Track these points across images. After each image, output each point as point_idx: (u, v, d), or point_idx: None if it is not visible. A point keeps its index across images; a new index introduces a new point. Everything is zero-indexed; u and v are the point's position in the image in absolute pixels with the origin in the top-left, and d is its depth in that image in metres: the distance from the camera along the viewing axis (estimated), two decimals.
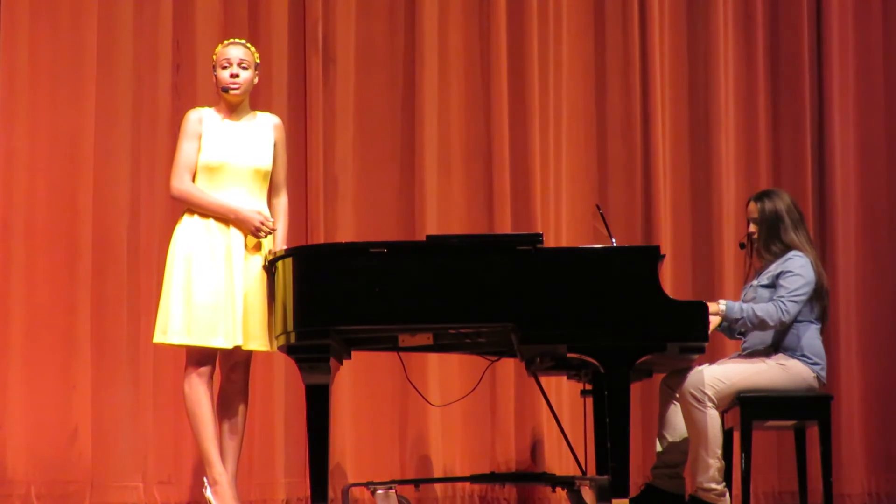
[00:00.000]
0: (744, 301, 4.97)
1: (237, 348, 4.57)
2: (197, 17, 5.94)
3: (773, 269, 4.91)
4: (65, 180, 5.76)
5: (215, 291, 4.54)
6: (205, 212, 4.62)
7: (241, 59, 4.69)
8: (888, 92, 6.60)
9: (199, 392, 4.58)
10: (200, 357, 4.58)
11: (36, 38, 5.80)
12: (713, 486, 4.71)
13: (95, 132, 5.78)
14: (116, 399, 5.70)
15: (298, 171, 5.88)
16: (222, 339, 4.53)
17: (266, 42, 5.97)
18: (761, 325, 4.80)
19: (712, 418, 4.71)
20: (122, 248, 5.77)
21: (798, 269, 4.84)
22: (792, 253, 4.90)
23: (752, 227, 5.00)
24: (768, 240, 4.95)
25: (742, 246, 5.12)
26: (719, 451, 4.71)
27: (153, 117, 5.87)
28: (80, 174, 5.76)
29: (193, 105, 4.83)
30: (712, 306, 4.68)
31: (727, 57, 6.46)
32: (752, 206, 5.01)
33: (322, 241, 5.87)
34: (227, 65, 4.69)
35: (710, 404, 4.72)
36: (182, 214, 4.67)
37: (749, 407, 4.78)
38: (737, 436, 4.94)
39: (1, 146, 5.73)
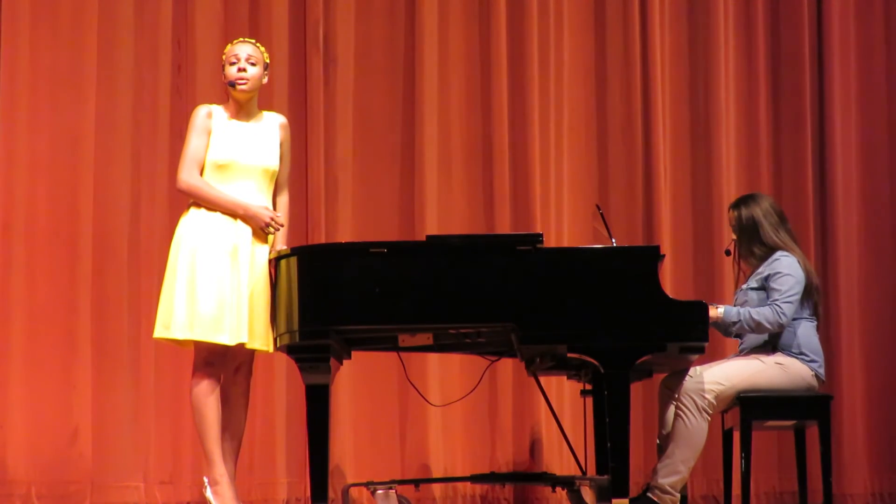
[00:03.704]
0: (735, 306, 4.97)
1: (241, 347, 4.55)
2: (197, 17, 5.94)
3: (762, 270, 4.92)
4: (65, 181, 5.76)
5: (221, 287, 4.51)
6: (212, 206, 4.60)
7: (250, 56, 4.68)
8: (889, 91, 6.60)
9: (207, 391, 4.56)
10: (209, 356, 4.56)
11: (36, 38, 5.80)
12: (672, 492, 4.71)
13: (96, 133, 5.79)
14: (117, 399, 5.70)
15: (299, 171, 5.88)
16: (227, 336, 4.49)
17: (267, 42, 5.95)
18: (758, 328, 4.81)
19: (703, 430, 4.71)
20: (122, 248, 5.77)
21: (786, 268, 4.85)
22: (778, 253, 4.90)
23: (734, 234, 5.02)
24: (750, 245, 4.96)
25: (727, 253, 5.13)
26: (693, 464, 4.72)
27: (153, 118, 5.87)
28: (80, 175, 5.76)
29: (194, 106, 4.83)
30: (710, 311, 4.68)
31: (727, 57, 6.47)
32: (731, 214, 5.03)
33: (322, 241, 5.87)
34: (235, 60, 4.68)
35: (707, 414, 4.72)
36: (188, 207, 4.64)
37: (749, 407, 4.78)
38: (737, 436, 4.94)
39: (1, 147, 5.73)
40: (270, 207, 4.69)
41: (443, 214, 6.11)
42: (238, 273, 4.55)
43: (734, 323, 4.81)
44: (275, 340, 4.57)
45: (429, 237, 4.68)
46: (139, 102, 5.87)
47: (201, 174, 4.63)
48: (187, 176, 4.62)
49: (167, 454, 5.73)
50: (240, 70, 4.66)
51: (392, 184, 6.15)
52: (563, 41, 6.34)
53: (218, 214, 4.60)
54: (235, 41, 4.77)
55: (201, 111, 4.68)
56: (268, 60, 4.77)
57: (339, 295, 4.42)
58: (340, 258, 4.46)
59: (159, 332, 4.58)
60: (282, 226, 4.66)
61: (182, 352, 4.84)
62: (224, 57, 4.73)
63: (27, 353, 5.65)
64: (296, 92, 6.05)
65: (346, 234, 5.98)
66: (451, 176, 6.18)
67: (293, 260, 4.48)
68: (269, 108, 4.95)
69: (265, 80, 4.75)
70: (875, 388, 6.42)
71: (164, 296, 4.59)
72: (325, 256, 4.50)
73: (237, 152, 4.65)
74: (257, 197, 4.66)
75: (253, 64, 4.68)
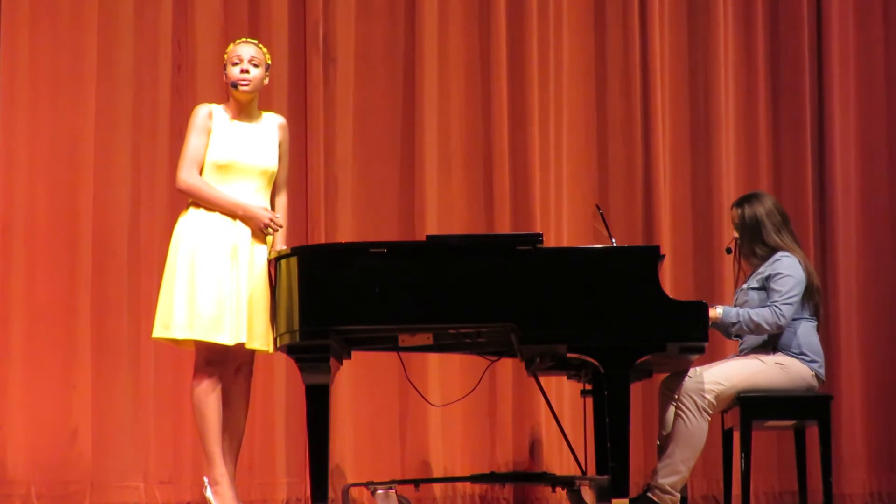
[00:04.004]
0: (735, 305, 4.98)
1: (241, 347, 4.55)
2: (197, 17, 5.93)
3: (762, 270, 4.92)
4: (65, 181, 5.76)
5: (220, 287, 4.51)
6: (211, 206, 4.61)
7: (252, 57, 4.68)
8: (888, 91, 6.61)
9: (208, 391, 4.56)
10: (210, 355, 4.57)
11: (36, 38, 5.80)
12: (672, 492, 4.71)
13: (96, 133, 5.78)
14: (116, 399, 5.70)
15: (298, 171, 5.88)
16: (227, 336, 4.50)
17: (266, 42, 5.93)
18: (757, 329, 4.81)
19: (703, 430, 4.71)
20: (122, 248, 5.77)
21: (787, 269, 4.85)
22: (780, 254, 4.90)
23: (736, 233, 5.01)
24: (752, 244, 4.96)
25: (728, 251, 5.13)
26: (693, 464, 4.72)
27: (153, 118, 5.87)
28: (80, 175, 5.76)
29: (194, 106, 4.82)
30: (710, 312, 4.68)
31: (727, 57, 6.47)
32: (734, 212, 5.02)
33: (322, 241, 5.87)
34: (237, 61, 4.67)
35: (707, 415, 4.72)
36: (187, 207, 4.64)
37: (749, 407, 4.78)
38: (737, 436, 4.94)
39: (1, 147, 5.73)
40: (269, 208, 4.69)
41: (443, 214, 6.10)
42: (237, 273, 4.55)
43: (733, 324, 4.81)
44: (275, 340, 4.57)
45: (429, 237, 4.68)
46: (139, 102, 5.87)
47: (201, 173, 4.63)
48: (186, 175, 4.62)
49: (167, 454, 5.73)
50: (242, 71, 4.66)
51: (392, 184, 6.15)
52: (563, 42, 6.34)
53: (217, 214, 4.60)
54: (238, 41, 4.76)
55: (202, 111, 4.68)
56: (269, 62, 4.76)
57: (339, 295, 4.42)
58: (340, 258, 4.46)
59: (158, 331, 4.58)
60: (280, 227, 4.66)
61: (182, 352, 4.84)
62: (226, 57, 4.72)
63: (27, 353, 5.65)
64: (296, 92, 6.05)
65: (346, 234, 5.98)
66: (451, 176, 6.18)
67: (293, 260, 4.48)
68: (269, 108, 4.95)
69: (266, 82, 4.75)
70: (873, 388, 6.43)
71: (162, 295, 4.59)
72: (325, 256, 4.50)
73: (237, 153, 4.65)
74: (256, 197, 4.66)
75: (255, 65, 4.68)
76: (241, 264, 4.57)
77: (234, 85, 4.66)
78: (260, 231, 4.62)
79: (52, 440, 5.62)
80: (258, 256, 4.63)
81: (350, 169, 6.08)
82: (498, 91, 6.20)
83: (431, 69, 6.16)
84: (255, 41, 4.78)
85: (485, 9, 6.27)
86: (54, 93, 5.79)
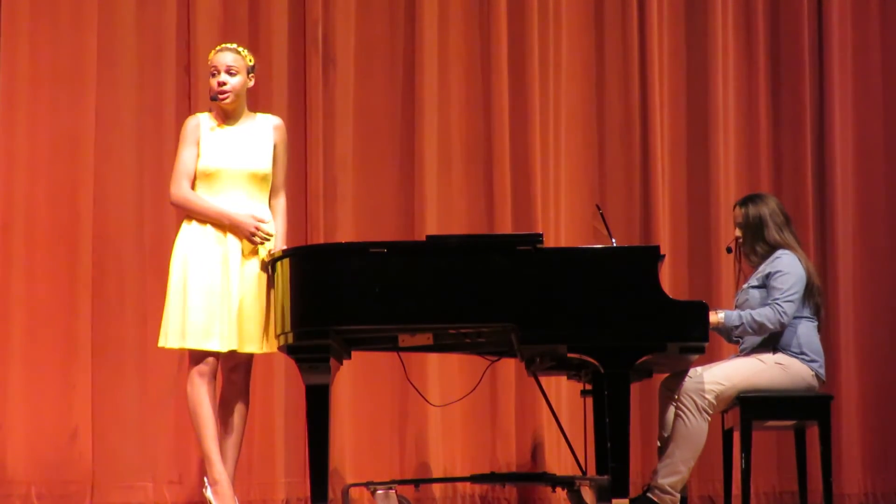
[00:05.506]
0: (737, 305, 4.98)
1: (234, 351, 4.59)
2: (197, 17, 5.94)
3: (762, 269, 4.93)
4: (65, 181, 5.77)
5: (211, 295, 4.56)
6: (202, 217, 4.63)
7: (229, 66, 4.68)
8: (887, 93, 6.61)
9: (201, 392, 4.59)
10: (201, 357, 4.59)
11: (37, 38, 5.80)
12: (672, 492, 4.71)
13: (96, 132, 5.79)
14: (116, 399, 5.71)
15: (298, 172, 5.88)
16: (217, 343, 4.55)
17: (266, 42, 5.97)
18: (761, 329, 4.81)
19: (703, 430, 4.72)
20: (122, 249, 5.77)
21: (786, 266, 4.86)
22: (779, 252, 4.91)
23: (738, 232, 5.02)
24: (753, 242, 4.97)
25: (729, 250, 5.13)
26: (693, 464, 4.72)
27: (153, 117, 5.87)
28: (80, 175, 5.76)
29: (194, 105, 4.82)
30: (711, 316, 4.68)
31: (726, 58, 6.47)
32: (738, 211, 5.03)
33: (322, 241, 5.87)
34: (215, 72, 4.69)
35: (707, 415, 4.73)
36: (182, 222, 4.69)
37: (749, 407, 4.78)
38: (737, 436, 4.95)
39: (1, 147, 5.74)
40: (264, 213, 4.69)
41: (443, 214, 6.10)
42: (228, 280, 4.59)
43: (736, 326, 4.81)
44: (277, 338, 4.58)
45: (429, 237, 4.68)
46: (138, 102, 5.87)
47: (193, 185, 4.65)
48: (176, 189, 4.66)
49: (166, 454, 5.73)
50: (220, 84, 4.67)
51: (392, 184, 6.15)
52: (563, 41, 6.34)
53: (209, 226, 4.64)
54: (217, 49, 4.76)
55: (190, 123, 4.72)
56: (251, 63, 4.75)
57: (339, 295, 4.42)
58: (340, 258, 4.46)
59: (161, 341, 4.66)
60: (270, 236, 4.66)
61: (181, 352, 4.85)
62: (209, 64, 4.73)
63: (27, 354, 5.66)
64: (295, 92, 6.04)
65: (346, 234, 5.98)
66: (451, 176, 6.18)
67: (293, 260, 4.48)
68: (269, 108, 4.95)
69: (251, 84, 4.76)
70: (869, 388, 6.43)
71: (165, 307, 4.65)
72: (324, 256, 4.50)
73: (224, 160, 4.66)
74: (249, 204, 4.67)
75: (234, 74, 4.68)
76: (232, 272, 4.60)
77: (214, 98, 4.68)
78: (248, 240, 4.63)
79: (52, 440, 5.63)
80: (250, 263, 4.65)
81: (350, 169, 6.08)
82: (498, 91, 6.20)
83: (431, 69, 6.16)
84: (234, 45, 4.76)
85: (485, 9, 6.27)
86: (55, 92, 5.79)
